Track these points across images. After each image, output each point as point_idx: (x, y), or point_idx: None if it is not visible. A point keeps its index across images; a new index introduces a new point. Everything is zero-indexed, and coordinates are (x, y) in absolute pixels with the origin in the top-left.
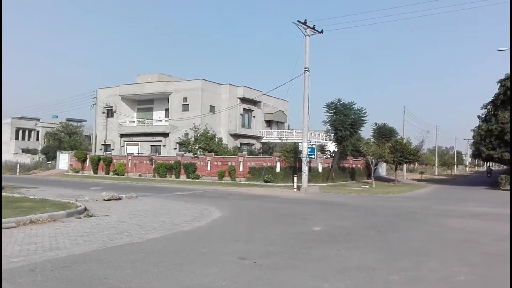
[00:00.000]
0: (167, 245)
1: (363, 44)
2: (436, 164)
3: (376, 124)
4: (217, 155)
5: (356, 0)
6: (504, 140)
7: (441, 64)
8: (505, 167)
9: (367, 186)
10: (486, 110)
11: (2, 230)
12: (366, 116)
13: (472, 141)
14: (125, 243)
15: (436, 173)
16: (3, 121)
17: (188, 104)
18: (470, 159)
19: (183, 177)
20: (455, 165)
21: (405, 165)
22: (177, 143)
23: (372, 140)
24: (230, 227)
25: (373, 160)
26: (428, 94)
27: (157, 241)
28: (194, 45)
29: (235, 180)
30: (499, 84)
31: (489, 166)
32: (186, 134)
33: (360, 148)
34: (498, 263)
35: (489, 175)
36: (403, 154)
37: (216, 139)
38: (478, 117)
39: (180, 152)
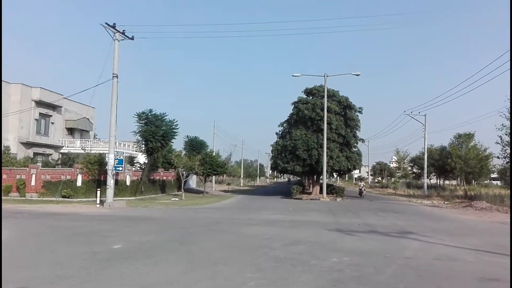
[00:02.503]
0: None
1: (180, 56)
2: (242, 176)
3: (187, 136)
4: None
5: (174, 11)
6: (296, 154)
7: (248, 83)
8: (298, 178)
9: (177, 199)
10: (282, 128)
11: None
12: (177, 128)
13: (271, 155)
14: None
15: (242, 184)
16: None
17: None
18: (270, 171)
19: None
20: (258, 177)
21: (214, 177)
22: None
23: (184, 152)
24: (10, 252)
25: (184, 172)
26: (237, 110)
27: None
28: None
29: (24, 196)
30: (293, 106)
31: (289, 177)
32: None
33: (171, 160)
34: (285, 266)
35: (289, 182)
36: (212, 166)
37: (2, 148)
38: (276, 133)
39: None
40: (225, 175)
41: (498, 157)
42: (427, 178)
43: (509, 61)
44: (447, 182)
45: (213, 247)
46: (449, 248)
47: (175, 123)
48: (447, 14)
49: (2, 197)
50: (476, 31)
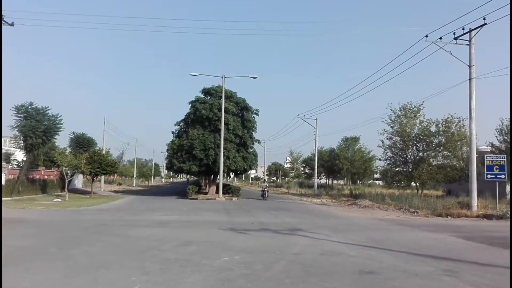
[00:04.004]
0: None
1: (72, 47)
2: (135, 176)
3: (73, 133)
4: None
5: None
6: (193, 154)
7: (144, 81)
8: (196, 178)
9: (60, 200)
10: (179, 127)
11: None
12: (62, 124)
13: (167, 154)
14: None
15: (135, 184)
16: None
17: None
18: (166, 171)
19: None
20: (153, 176)
21: (103, 176)
22: None
23: (69, 150)
24: None
25: (68, 171)
26: (131, 108)
27: None
28: None
29: None
30: (190, 105)
31: (188, 177)
32: None
33: (54, 158)
34: (174, 268)
35: (187, 182)
36: (101, 165)
37: None
38: (173, 133)
39: None
40: (116, 175)
41: (380, 159)
42: (318, 178)
43: (394, 70)
44: (335, 181)
45: (96, 251)
46: (334, 244)
47: (59, 118)
48: (337, 27)
49: None
50: (362, 44)
